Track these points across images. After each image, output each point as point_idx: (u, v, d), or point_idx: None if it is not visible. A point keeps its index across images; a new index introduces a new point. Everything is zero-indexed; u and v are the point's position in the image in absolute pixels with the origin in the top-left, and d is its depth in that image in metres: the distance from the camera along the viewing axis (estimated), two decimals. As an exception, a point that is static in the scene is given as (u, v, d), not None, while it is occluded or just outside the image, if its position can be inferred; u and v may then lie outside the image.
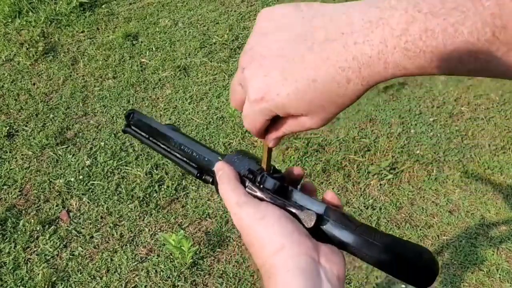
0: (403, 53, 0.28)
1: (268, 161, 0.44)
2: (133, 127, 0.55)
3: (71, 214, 1.93)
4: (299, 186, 0.45)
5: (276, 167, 0.46)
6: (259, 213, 0.39)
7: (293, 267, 0.35)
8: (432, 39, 0.27)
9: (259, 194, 0.42)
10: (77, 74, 2.63)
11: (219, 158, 0.47)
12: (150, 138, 0.53)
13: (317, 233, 0.40)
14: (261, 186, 0.42)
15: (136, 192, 2.00)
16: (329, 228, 0.40)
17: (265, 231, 0.38)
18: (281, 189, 0.42)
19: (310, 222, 0.39)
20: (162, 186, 2.03)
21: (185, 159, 0.50)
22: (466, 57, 0.27)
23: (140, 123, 0.54)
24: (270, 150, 0.43)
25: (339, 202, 0.43)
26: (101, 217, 1.92)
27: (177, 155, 0.51)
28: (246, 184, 0.43)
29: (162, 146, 0.52)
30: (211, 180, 0.48)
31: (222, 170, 0.44)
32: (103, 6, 3.14)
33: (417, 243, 0.40)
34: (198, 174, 0.49)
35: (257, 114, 0.36)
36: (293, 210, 0.40)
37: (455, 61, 0.27)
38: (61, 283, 1.70)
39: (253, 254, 0.39)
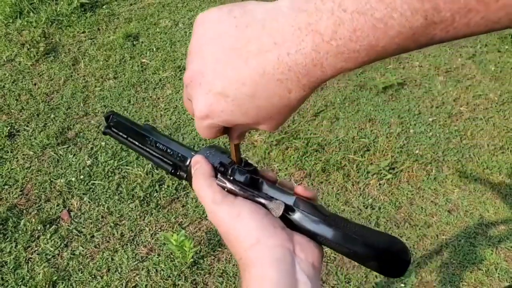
0: (337, 56, 0.27)
1: (237, 155, 0.45)
2: (113, 129, 0.56)
3: (72, 213, 1.94)
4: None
5: (248, 160, 0.46)
6: (235, 210, 0.39)
7: (268, 258, 0.36)
8: (363, 39, 0.26)
9: (228, 185, 0.42)
10: (78, 74, 2.64)
11: (192, 153, 0.48)
12: (129, 139, 0.54)
13: (287, 224, 0.41)
14: (231, 178, 0.43)
15: (136, 192, 2.00)
16: (299, 218, 0.40)
17: (241, 227, 0.38)
18: (251, 181, 0.43)
19: (278, 211, 0.40)
20: (163, 185, 2.04)
21: (160, 156, 0.51)
22: (405, 43, 0.26)
23: (119, 124, 0.55)
24: (236, 145, 0.44)
25: (311, 195, 0.43)
26: (102, 217, 1.93)
27: (153, 152, 0.52)
28: (218, 177, 0.43)
29: (139, 145, 0.53)
30: (185, 175, 0.49)
31: (199, 164, 0.45)
32: (104, 6, 3.15)
33: (388, 233, 0.40)
34: (172, 171, 0.49)
35: (206, 128, 0.37)
36: (262, 201, 0.41)
37: (394, 49, 0.26)
38: (62, 283, 1.71)
39: (231, 249, 0.40)
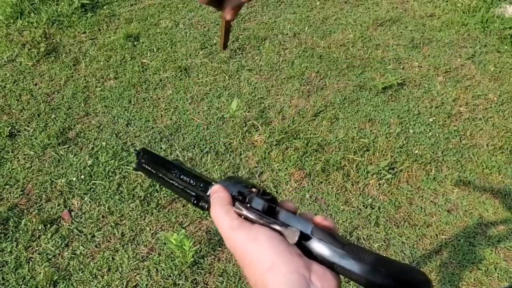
0: None
1: (226, 39, 0.44)
2: (143, 165, 0.59)
3: (72, 213, 1.95)
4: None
5: (267, 189, 0.48)
6: (251, 235, 0.40)
7: (283, 284, 0.36)
8: None
9: (244, 212, 0.43)
10: (78, 74, 2.65)
11: (213, 184, 0.49)
12: (157, 173, 0.57)
13: (304, 252, 0.41)
14: (249, 205, 0.44)
15: (137, 192, 2.01)
16: (315, 246, 0.40)
17: (257, 251, 0.39)
18: (268, 209, 0.43)
19: (294, 238, 0.40)
20: (163, 185, 2.04)
21: (184, 187, 0.53)
22: None
23: (149, 160, 0.59)
24: (228, 26, 0.43)
25: (330, 225, 0.43)
26: (103, 217, 1.94)
27: (177, 184, 0.54)
28: (235, 204, 0.44)
29: (166, 179, 0.55)
30: (206, 206, 0.49)
31: (217, 193, 0.46)
32: (105, 7, 3.16)
33: (409, 264, 0.40)
34: (194, 201, 0.51)
35: None
36: (278, 228, 0.41)
37: None
38: (63, 282, 1.72)
39: (247, 274, 0.40)
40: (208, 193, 0.49)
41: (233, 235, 0.41)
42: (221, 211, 0.43)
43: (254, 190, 0.46)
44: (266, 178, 2.10)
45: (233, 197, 0.45)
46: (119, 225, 1.91)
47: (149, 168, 0.58)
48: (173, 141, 2.26)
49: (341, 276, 0.41)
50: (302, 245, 0.41)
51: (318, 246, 0.40)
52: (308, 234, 0.41)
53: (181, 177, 0.53)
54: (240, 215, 0.43)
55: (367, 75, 2.67)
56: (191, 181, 0.52)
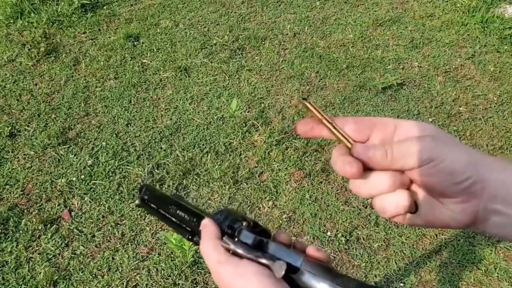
0: None
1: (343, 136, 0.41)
2: (147, 202, 0.59)
3: (72, 213, 1.95)
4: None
5: (258, 222, 0.47)
6: (239, 270, 0.40)
7: None
8: None
9: (232, 246, 0.42)
10: (78, 74, 2.65)
11: (205, 217, 0.49)
12: (159, 209, 0.56)
13: (293, 286, 0.40)
14: (237, 239, 0.43)
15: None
16: (305, 279, 0.39)
17: (243, 286, 0.39)
18: (258, 242, 0.43)
19: (280, 272, 0.39)
20: (163, 185, 2.04)
21: (180, 222, 0.53)
22: None
23: (151, 197, 0.58)
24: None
25: (323, 256, 0.43)
26: (103, 216, 1.94)
27: (174, 220, 0.53)
28: (223, 239, 0.44)
29: (165, 214, 0.55)
30: (200, 241, 0.49)
31: (206, 228, 0.46)
32: (105, 7, 3.16)
33: None
34: (189, 237, 0.50)
35: None
36: (265, 261, 0.40)
37: None
38: (63, 282, 1.72)
39: None
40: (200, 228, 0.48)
41: (220, 269, 0.41)
42: (209, 245, 0.43)
43: (244, 223, 0.45)
44: (266, 178, 2.10)
45: (222, 231, 0.45)
46: (119, 225, 1.91)
47: (151, 205, 0.58)
48: (173, 141, 2.26)
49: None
50: (290, 279, 0.40)
51: (307, 280, 0.39)
52: (296, 266, 0.40)
53: (177, 212, 0.53)
54: (228, 249, 0.43)
55: (367, 75, 2.68)
56: (186, 216, 0.52)
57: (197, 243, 0.49)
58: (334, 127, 0.41)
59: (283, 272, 0.39)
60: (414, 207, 0.39)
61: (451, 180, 0.35)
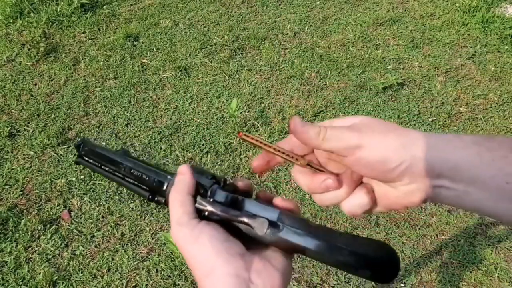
0: None
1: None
2: (85, 157, 0.54)
3: (72, 213, 1.94)
4: (253, 196, 0.45)
5: (228, 178, 0.45)
6: (193, 234, 0.39)
7: None
8: None
9: (209, 208, 0.41)
10: (78, 74, 2.65)
11: (169, 177, 0.46)
12: (102, 167, 0.52)
13: (255, 240, 0.40)
14: (212, 200, 0.42)
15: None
16: (285, 234, 0.39)
17: (198, 254, 0.38)
18: (233, 200, 0.42)
19: (263, 229, 0.39)
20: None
21: (135, 182, 0.49)
22: None
23: (91, 153, 0.54)
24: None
25: (292, 206, 0.43)
26: (102, 217, 1.93)
27: (128, 179, 0.50)
28: (197, 200, 0.42)
29: (113, 172, 0.51)
30: (163, 200, 0.46)
31: (183, 176, 0.43)
32: (104, 7, 3.15)
33: (376, 239, 0.40)
34: (150, 197, 0.47)
35: None
36: (246, 220, 0.40)
37: None
38: (62, 282, 1.71)
39: (193, 273, 0.40)
40: (164, 188, 0.46)
41: (177, 230, 0.40)
42: (177, 199, 0.41)
43: (215, 181, 0.44)
44: (266, 178, 2.10)
45: (197, 186, 0.43)
46: (119, 225, 1.90)
47: (92, 162, 0.53)
48: (172, 141, 2.26)
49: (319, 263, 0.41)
50: (265, 235, 0.39)
51: (288, 233, 0.39)
52: (275, 221, 0.40)
53: (131, 171, 0.49)
54: (204, 211, 0.41)
55: (367, 75, 2.67)
56: (144, 175, 0.48)
57: (158, 202, 0.47)
58: (279, 151, 0.43)
59: (266, 229, 0.39)
60: (375, 199, 0.41)
61: (385, 167, 0.37)
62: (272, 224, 0.40)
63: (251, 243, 0.41)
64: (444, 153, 0.36)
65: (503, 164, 0.35)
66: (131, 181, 0.49)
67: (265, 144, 0.44)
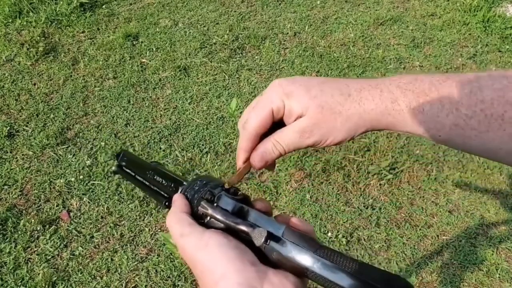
0: None
1: (240, 177, 0.45)
2: (124, 167, 0.57)
3: (71, 214, 1.94)
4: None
5: (239, 190, 0.45)
6: (202, 242, 0.38)
7: None
8: None
9: (210, 211, 0.40)
10: (77, 74, 2.64)
11: (185, 183, 0.47)
12: (136, 176, 0.55)
13: (267, 258, 0.37)
14: (216, 205, 0.41)
15: (136, 192, 2.00)
16: (286, 249, 0.37)
17: (207, 260, 0.37)
18: (238, 210, 0.41)
19: (260, 240, 0.37)
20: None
21: (156, 189, 0.51)
22: None
23: (130, 163, 0.57)
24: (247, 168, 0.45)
25: (307, 228, 0.40)
26: (102, 217, 1.93)
27: (152, 186, 0.52)
28: (201, 203, 0.42)
29: (143, 181, 0.53)
30: None
31: (175, 202, 0.44)
32: (104, 6, 3.14)
33: (388, 270, 0.36)
34: (166, 203, 0.48)
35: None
36: (244, 228, 0.38)
37: None
38: (62, 283, 1.71)
39: (200, 285, 0.38)
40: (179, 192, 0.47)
41: (183, 242, 0.38)
42: (173, 219, 0.41)
43: (224, 189, 0.43)
44: (266, 179, 2.09)
45: (199, 198, 0.42)
46: (118, 226, 1.90)
47: (128, 171, 0.56)
48: (172, 141, 2.25)
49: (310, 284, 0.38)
50: (265, 250, 0.37)
51: (289, 250, 0.36)
52: (278, 235, 0.37)
53: (155, 177, 0.51)
54: (206, 214, 0.41)
55: (368, 75, 2.66)
56: (163, 181, 0.50)
57: None
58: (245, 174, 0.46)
59: (263, 240, 0.37)
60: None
61: (352, 137, 0.44)
62: (273, 238, 0.37)
63: (264, 260, 0.38)
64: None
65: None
66: (154, 188, 0.51)
67: (240, 173, 0.46)
